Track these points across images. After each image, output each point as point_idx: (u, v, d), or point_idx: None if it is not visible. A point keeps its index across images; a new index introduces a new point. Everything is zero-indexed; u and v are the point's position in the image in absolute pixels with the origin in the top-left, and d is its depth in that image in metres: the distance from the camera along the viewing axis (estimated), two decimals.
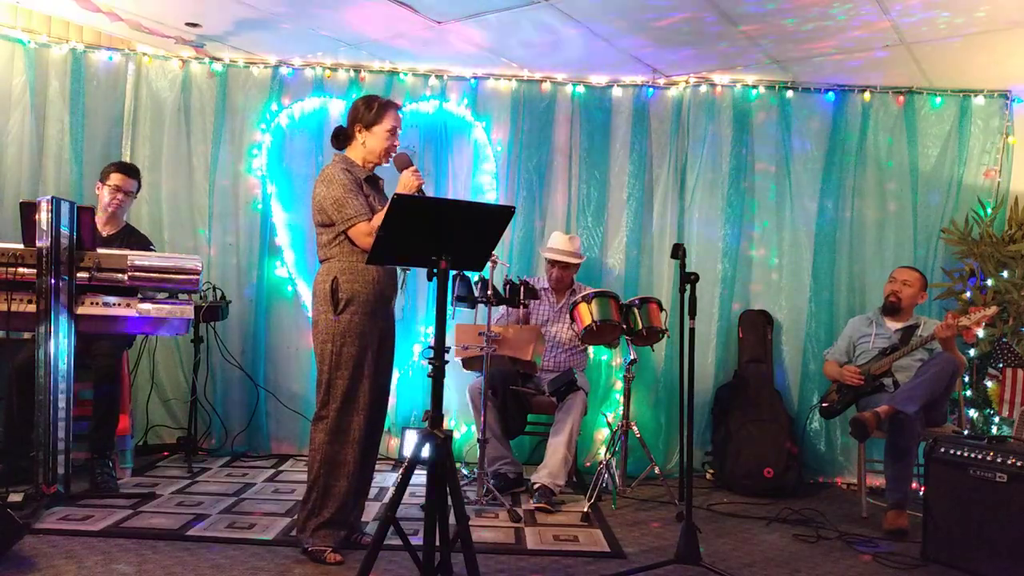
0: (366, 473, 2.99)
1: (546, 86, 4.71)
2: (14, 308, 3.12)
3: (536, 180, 4.69)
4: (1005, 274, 4.22)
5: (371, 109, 2.91)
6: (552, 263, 4.23)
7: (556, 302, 4.29)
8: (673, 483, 4.02)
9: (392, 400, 4.53)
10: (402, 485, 2.24)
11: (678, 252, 3.20)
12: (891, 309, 4.02)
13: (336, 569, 2.74)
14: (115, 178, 3.83)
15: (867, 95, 4.57)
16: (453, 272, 3.30)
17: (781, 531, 3.49)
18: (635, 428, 3.87)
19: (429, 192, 4.50)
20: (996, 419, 4.17)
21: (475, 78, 4.71)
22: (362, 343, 2.79)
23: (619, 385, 4.49)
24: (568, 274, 4.26)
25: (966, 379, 4.15)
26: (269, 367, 4.62)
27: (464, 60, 4.56)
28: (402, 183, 2.82)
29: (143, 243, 3.91)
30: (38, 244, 3.10)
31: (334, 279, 2.79)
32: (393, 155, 2.93)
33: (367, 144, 2.92)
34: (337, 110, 4.63)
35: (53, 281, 3.10)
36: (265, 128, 4.66)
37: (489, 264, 3.58)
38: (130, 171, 3.93)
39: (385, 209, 2.71)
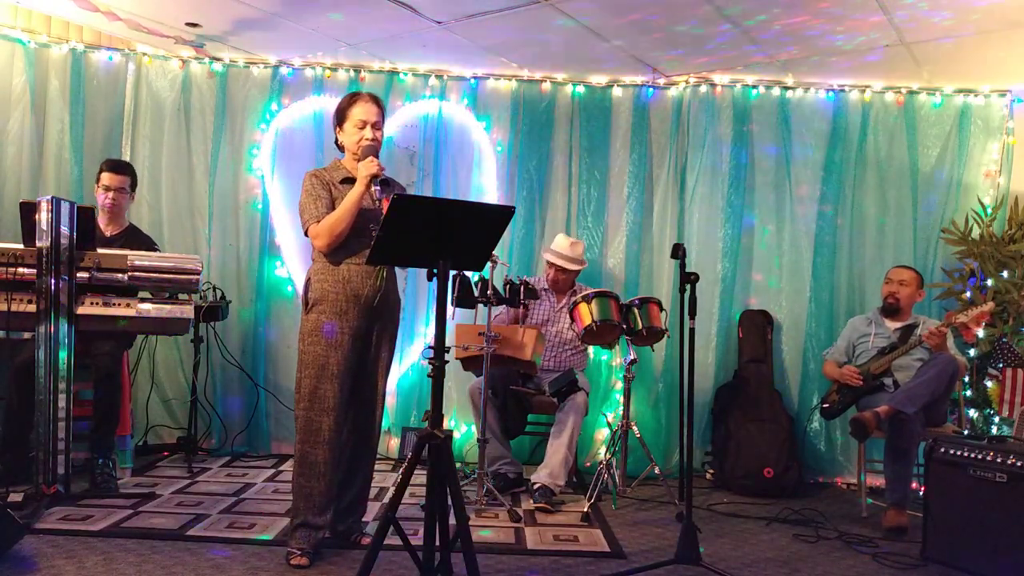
0: (360, 474, 2.98)
1: (546, 86, 4.71)
2: (14, 308, 3.12)
3: (536, 180, 4.69)
4: (1005, 274, 4.22)
5: (341, 105, 2.90)
6: (550, 264, 4.23)
7: (556, 302, 4.29)
8: (673, 483, 4.02)
9: (392, 400, 4.56)
10: (402, 485, 2.24)
11: (678, 252, 3.20)
12: (891, 311, 4.02)
13: (335, 569, 2.74)
14: (104, 177, 3.81)
15: (867, 95, 4.57)
16: (453, 272, 3.30)
17: (781, 531, 3.49)
18: (635, 428, 3.86)
19: (428, 192, 4.59)
20: (996, 419, 4.17)
21: (475, 78, 4.71)
22: (328, 343, 2.77)
23: (619, 385, 4.49)
24: (567, 277, 4.25)
25: (966, 379, 4.15)
26: (269, 367, 4.63)
27: (464, 60, 4.56)
28: (359, 174, 2.75)
29: (147, 243, 3.89)
30: (38, 244, 3.10)
31: (307, 279, 2.86)
32: (365, 147, 2.81)
33: (344, 142, 2.91)
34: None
35: (53, 281, 3.10)
36: (265, 128, 4.66)
37: (489, 264, 3.57)
38: (118, 168, 3.88)
39: (339, 207, 2.74)
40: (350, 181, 2.85)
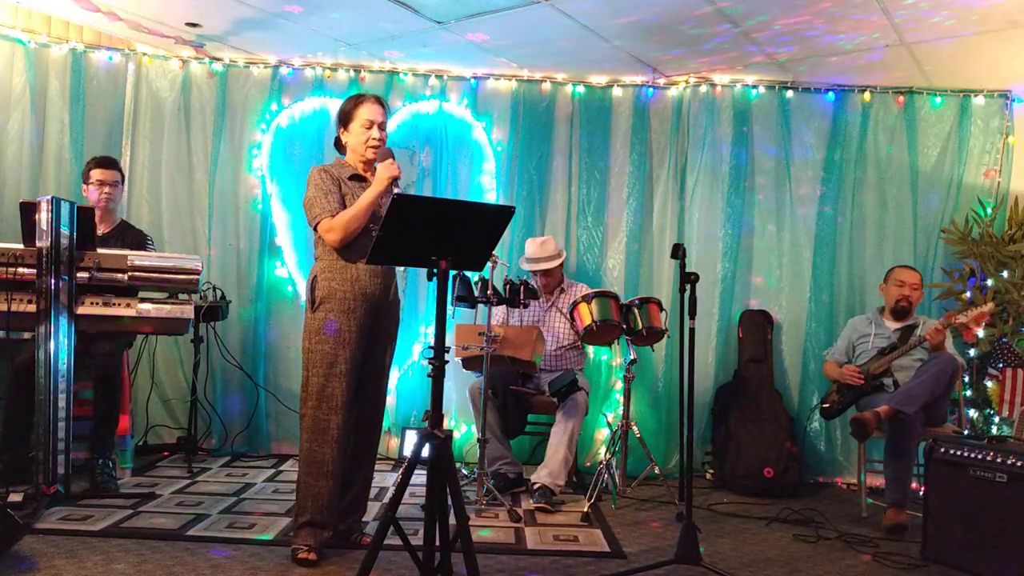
0: (361, 474, 2.98)
1: (546, 86, 4.71)
2: (14, 308, 3.12)
3: (536, 180, 4.69)
4: (1005, 274, 4.22)
5: (346, 107, 2.92)
6: (533, 273, 4.22)
7: (545, 301, 4.28)
8: (673, 483, 4.02)
9: (392, 400, 4.56)
10: (402, 485, 2.24)
11: (678, 252, 3.20)
12: (903, 313, 4.01)
13: (336, 569, 2.74)
14: (96, 174, 3.80)
15: (867, 95, 4.57)
16: (453, 272, 3.30)
17: (781, 531, 3.49)
18: (635, 428, 3.87)
19: (428, 192, 4.59)
20: (996, 419, 4.17)
21: (475, 78, 4.71)
22: (337, 341, 2.77)
23: (619, 385, 4.49)
24: (550, 280, 4.24)
25: (966, 379, 4.15)
26: (269, 367, 4.62)
27: (464, 60, 4.56)
28: (376, 176, 2.78)
29: (140, 238, 3.89)
30: (38, 244, 3.09)
31: (313, 277, 2.84)
32: (375, 148, 2.85)
33: (350, 143, 2.92)
34: (337, 110, 4.63)
35: (53, 281, 3.09)
36: (265, 128, 4.66)
37: (489, 264, 3.58)
38: (108, 163, 3.87)
39: (356, 203, 2.75)
40: (358, 178, 2.88)
